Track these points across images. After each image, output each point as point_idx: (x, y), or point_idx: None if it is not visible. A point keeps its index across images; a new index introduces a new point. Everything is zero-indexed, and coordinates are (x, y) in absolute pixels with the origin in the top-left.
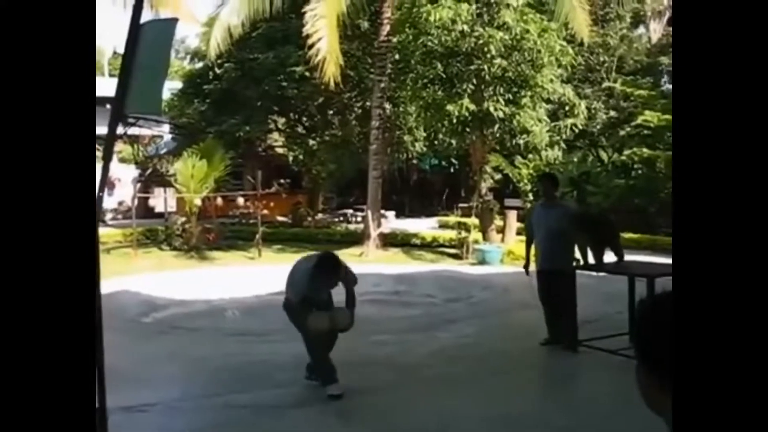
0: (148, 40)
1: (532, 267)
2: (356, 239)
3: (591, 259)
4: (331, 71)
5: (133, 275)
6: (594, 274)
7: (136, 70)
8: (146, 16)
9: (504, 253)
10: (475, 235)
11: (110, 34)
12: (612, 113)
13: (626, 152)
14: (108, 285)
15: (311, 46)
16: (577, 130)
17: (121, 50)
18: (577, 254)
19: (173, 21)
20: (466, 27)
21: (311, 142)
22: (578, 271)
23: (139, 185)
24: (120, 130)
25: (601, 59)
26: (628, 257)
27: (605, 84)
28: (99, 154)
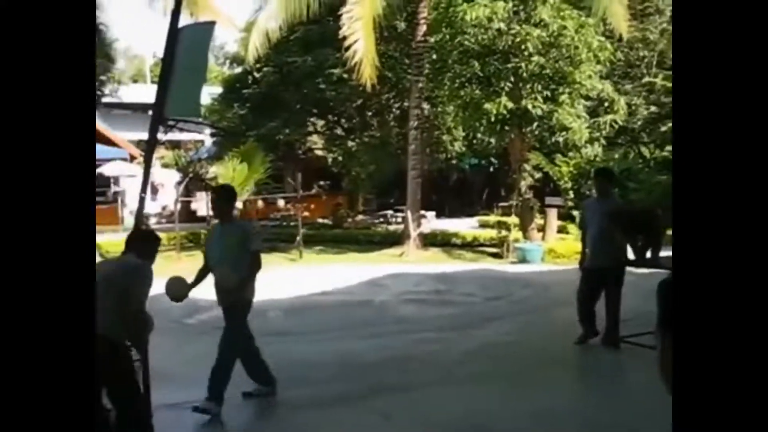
0: (187, 43)
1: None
2: (396, 240)
3: (631, 255)
4: (368, 73)
5: None
6: (636, 270)
7: (175, 73)
8: (185, 22)
9: (545, 252)
10: (516, 234)
11: (151, 40)
12: (653, 109)
13: (668, 148)
14: (152, 287)
15: (348, 48)
16: (617, 127)
17: (160, 55)
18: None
19: (211, 24)
20: (502, 25)
21: (350, 143)
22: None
23: (181, 189)
24: (161, 133)
25: (641, 54)
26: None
27: (645, 79)
28: (141, 158)
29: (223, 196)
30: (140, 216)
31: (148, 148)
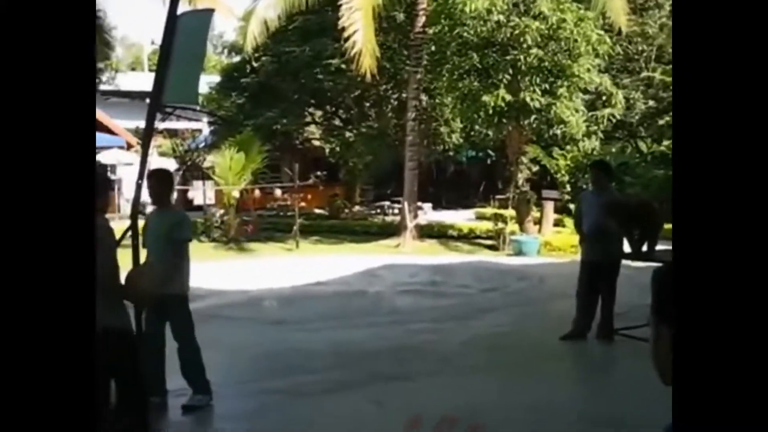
0: (185, 30)
1: (577, 257)
2: (393, 231)
3: (627, 248)
4: (368, 63)
5: None
6: (632, 263)
7: (173, 60)
8: (184, 9)
9: (541, 244)
10: (512, 226)
11: (149, 28)
12: (651, 103)
13: (665, 143)
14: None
15: (347, 39)
16: (615, 121)
17: (158, 42)
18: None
19: (209, 11)
20: (501, 17)
21: (348, 134)
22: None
23: (178, 178)
24: (158, 120)
25: (640, 48)
26: (667, 247)
27: (644, 74)
28: (138, 146)
29: (158, 180)
30: (137, 204)
31: (146, 135)
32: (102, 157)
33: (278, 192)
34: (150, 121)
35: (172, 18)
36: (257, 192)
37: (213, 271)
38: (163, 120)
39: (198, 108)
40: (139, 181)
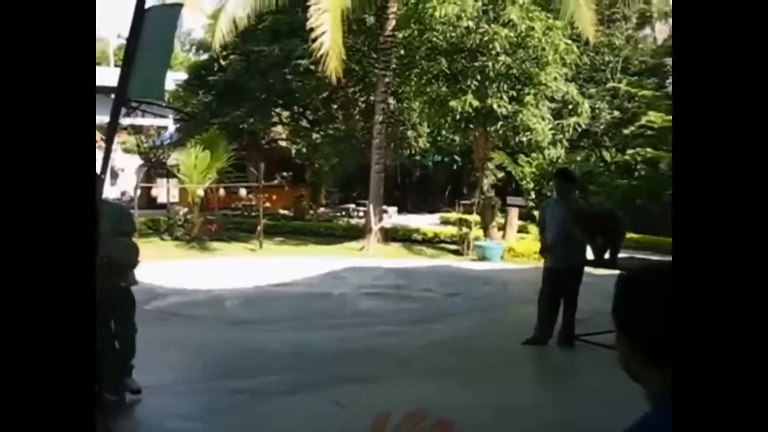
0: (153, 25)
1: (540, 263)
2: (358, 234)
3: (590, 255)
4: (334, 65)
5: None
6: (596, 271)
7: (139, 55)
8: (152, 3)
9: (504, 250)
10: (476, 231)
11: (115, 22)
12: (616, 113)
13: (629, 152)
14: None
15: (314, 40)
16: (580, 130)
17: (125, 36)
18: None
19: (178, 6)
20: (471, 23)
21: (314, 135)
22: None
23: (141, 175)
24: (123, 115)
25: (607, 59)
26: (629, 255)
27: (610, 84)
28: (101, 141)
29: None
30: (98, 198)
31: (109, 130)
32: None
33: (243, 192)
34: (114, 115)
35: (140, 11)
36: (222, 191)
37: (175, 269)
38: (127, 115)
39: (164, 104)
40: (102, 176)
